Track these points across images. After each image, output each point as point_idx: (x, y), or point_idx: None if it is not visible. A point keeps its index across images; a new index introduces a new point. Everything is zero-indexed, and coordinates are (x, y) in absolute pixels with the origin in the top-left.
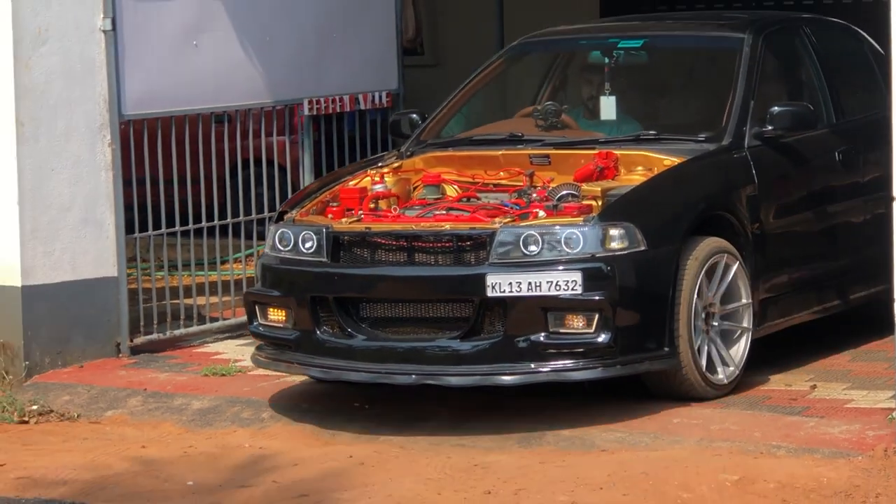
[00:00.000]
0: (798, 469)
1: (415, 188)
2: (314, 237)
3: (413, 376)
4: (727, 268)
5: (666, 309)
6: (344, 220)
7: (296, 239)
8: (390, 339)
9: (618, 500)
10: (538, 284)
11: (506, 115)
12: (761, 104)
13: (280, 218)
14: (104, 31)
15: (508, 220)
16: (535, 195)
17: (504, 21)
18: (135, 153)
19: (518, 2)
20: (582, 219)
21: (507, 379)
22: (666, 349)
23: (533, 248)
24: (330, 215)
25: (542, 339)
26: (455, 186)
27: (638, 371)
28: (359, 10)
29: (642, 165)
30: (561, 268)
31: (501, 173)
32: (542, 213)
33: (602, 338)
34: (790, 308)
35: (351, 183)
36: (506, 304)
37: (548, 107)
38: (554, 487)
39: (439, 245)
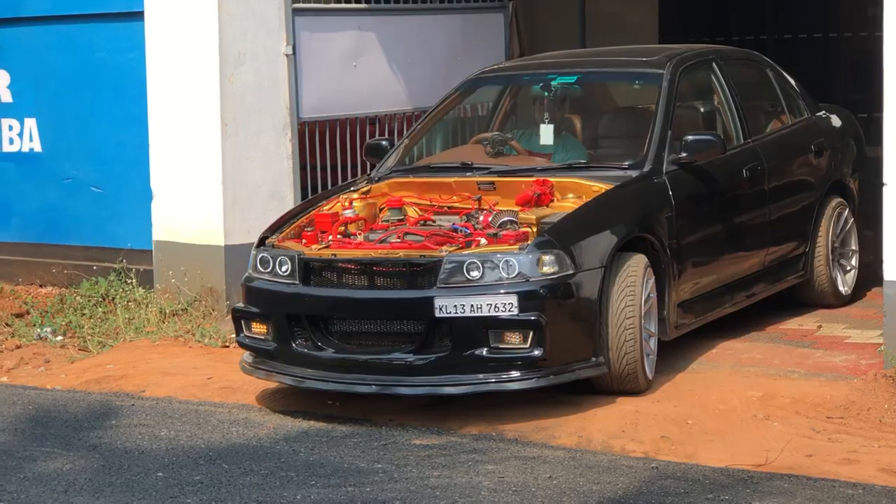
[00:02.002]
0: (808, 388)
1: (381, 209)
2: (288, 262)
3: (373, 386)
4: (647, 281)
5: (594, 324)
6: (314, 246)
7: (273, 263)
8: (354, 353)
9: (670, 409)
10: (479, 306)
11: (463, 140)
12: (678, 132)
13: (262, 242)
14: (287, 55)
15: (454, 248)
16: (481, 218)
17: (586, 45)
18: (309, 146)
19: (597, 32)
20: (518, 247)
21: (452, 389)
22: (594, 358)
23: (475, 273)
24: (304, 240)
25: (484, 353)
26: (415, 208)
27: (569, 379)
28: (476, 38)
29: (573, 192)
30: (500, 291)
31: (454, 197)
32: (483, 241)
33: (536, 352)
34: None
35: (325, 208)
36: (452, 323)
37: (496, 136)
38: None
39: (395, 270)
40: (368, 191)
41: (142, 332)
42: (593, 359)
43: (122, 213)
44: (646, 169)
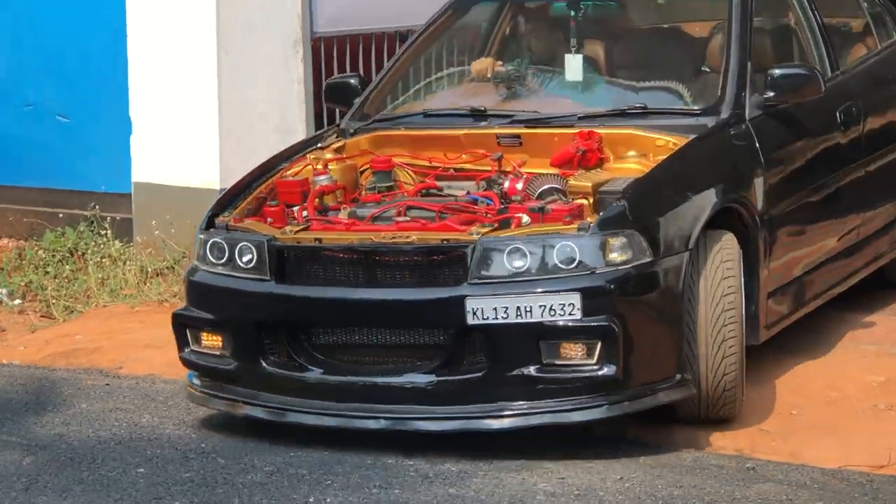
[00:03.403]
0: None
1: (362, 171)
2: (253, 250)
3: (382, 420)
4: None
5: (679, 329)
6: (288, 227)
7: (231, 251)
8: (352, 373)
9: (768, 395)
10: (528, 309)
11: (458, 76)
12: (756, 65)
13: (211, 223)
14: None
15: (487, 228)
16: (506, 185)
17: None
18: (325, 68)
19: None
20: (576, 226)
21: (495, 423)
22: (678, 376)
23: (519, 263)
24: (269, 219)
25: (534, 372)
26: (409, 172)
27: (649, 406)
28: None
29: (631, 147)
30: (556, 287)
31: (463, 156)
32: (525, 218)
33: (606, 369)
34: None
35: (289, 172)
36: (490, 332)
37: (510, 71)
38: None
39: (406, 260)
40: (342, 148)
41: (118, 296)
42: (678, 376)
43: (95, 149)
44: (724, 115)
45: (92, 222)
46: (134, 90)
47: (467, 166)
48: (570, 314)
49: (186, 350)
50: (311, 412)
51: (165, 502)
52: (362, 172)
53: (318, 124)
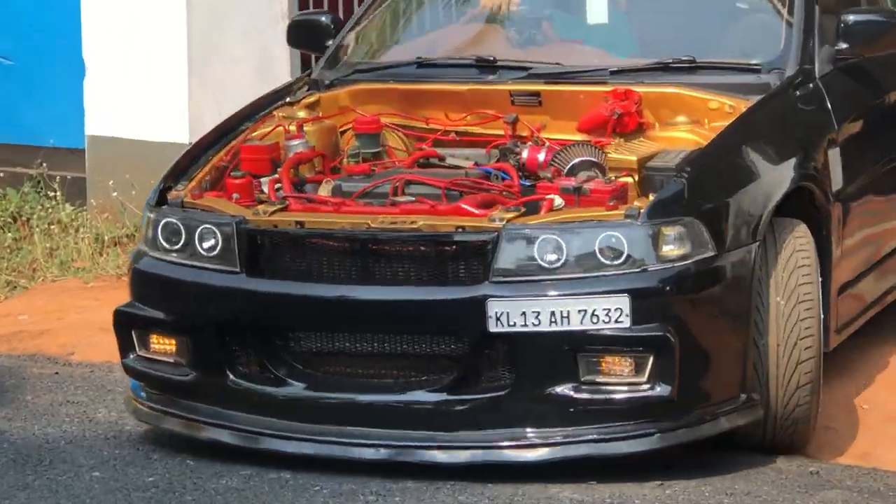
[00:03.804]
0: None
1: (343, 131)
2: (218, 234)
3: (381, 450)
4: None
5: (746, 338)
6: (261, 207)
7: (189, 234)
8: (342, 389)
9: (835, 385)
10: (566, 315)
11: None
12: (824, 10)
13: (161, 199)
14: None
15: (513, 213)
16: (524, 155)
17: None
18: (313, 3)
19: None
20: (623, 212)
21: (521, 455)
22: (742, 396)
23: (553, 256)
24: (236, 194)
25: (570, 392)
26: (400, 135)
27: (707, 435)
28: None
29: (678, 110)
30: (599, 289)
31: (468, 118)
32: (558, 201)
33: (660, 389)
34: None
35: (254, 135)
36: (516, 343)
37: (522, 10)
38: None
39: (409, 251)
40: (316, 104)
41: (69, 269)
42: (742, 396)
43: (42, 96)
44: (790, 71)
45: (38, 182)
46: (88, 26)
47: (473, 130)
48: (616, 321)
49: (131, 356)
50: (292, 437)
51: None
52: (343, 131)
53: (306, 69)
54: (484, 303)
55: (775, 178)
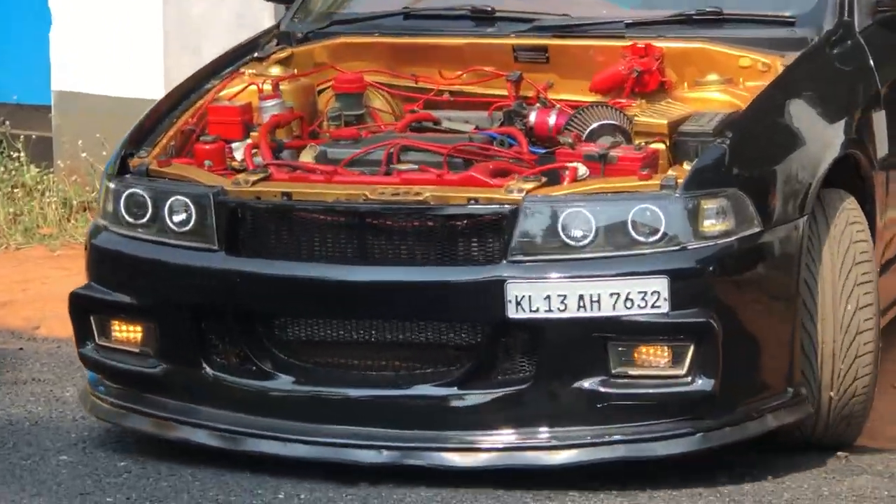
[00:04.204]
0: None
1: (321, 90)
2: (191, 207)
3: (384, 452)
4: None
5: (793, 325)
6: (241, 176)
7: (157, 206)
8: (336, 382)
9: None
10: (596, 299)
11: None
12: None
13: (123, 167)
14: None
15: (532, 183)
16: (532, 118)
17: None
18: None
19: None
20: (659, 181)
21: (546, 458)
22: (789, 390)
23: (579, 232)
24: (208, 161)
25: (598, 386)
26: (385, 96)
27: (752, 434)
28: None
29: (703, 68)
30: (634, 269)
31: (464, 76)
32: (582, 170)
33: (700, 383)
34: None
35: (223, 94)
36: (538, 331)
37: None
38: None
39: (414, 227)
40: (288, 59)
41: (34, 236)
42: (789, 390)
43: (4, 48)
44: (828, 24)
45: (1, 142)
46: None
47: (470, 90)
48: (653, 306)
49: (89, 345)
50: (279, 437)
51: (95, 498)
52: (321, 90)
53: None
54: (502, 285)
55: (822, 144)
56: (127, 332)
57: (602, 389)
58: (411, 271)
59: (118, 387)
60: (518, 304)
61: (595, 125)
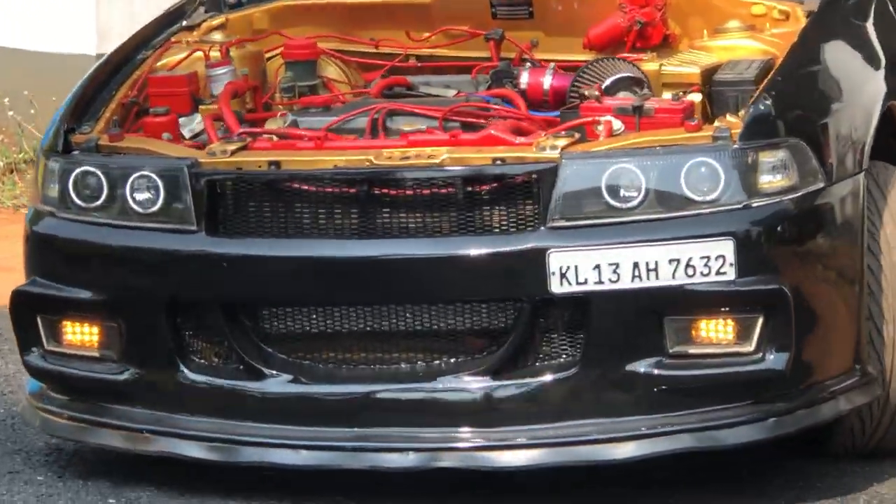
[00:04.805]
0: None
1: (269, 58)
2: (159, 183)
3: (410, 455)
4: None
5: (860, 293)
6: (216, 146)
7: (114, 185)
8: (342, 380)
9: None
10: (653, 267)
11: None
12: None
13: (66, 143)
14: None
15: (565, 140)
16: (524, 80)
17: None
18: None
19: None
20: (711, 132)
21: (607, 452)
22: (857, 368)
23: (627, 192)
24: (166, 133)
25: (655, 369)
26: (338, 64)
27: (826, 419)
28: None
29: (712, 19)
30: (694, 232)
31: (435, 38)
32: (617, 124)
33: (771, 360)
34: None
35: (161, 63)
36: (585, 307)
37: None
38: None
39: (429, 194)
40: (223, 26)
41: None
42: (857, 368)
43: None
44: None
45: None
46: None
47: (441, 54)
48: (717, 272)
49: (35, 351)
50: (286, 444)
51: (25, 477)
52: (269, 58)
53: None
54: (543, 255)
55: (871, 92)
56: (82, 334)
57: (659, 372)
58: (430, 244)
59: (71, 398)
60: (563, 275)
61: (611, 79)
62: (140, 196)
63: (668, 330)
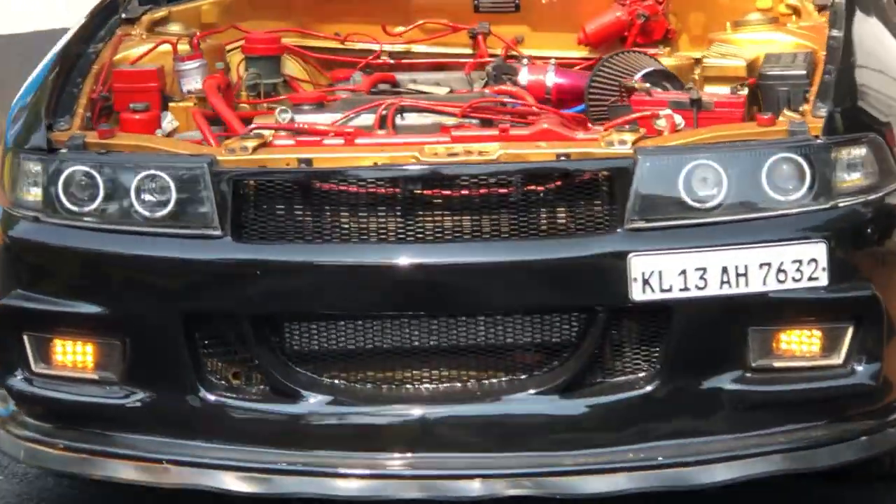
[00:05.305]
0: None
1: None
2: (170, 183)
3: (476, 482)
4: None
5: None
6: (232, 143)
7: (114, 187)
8: (384, 400)
9: None
10: (742, 272)
11: None
12: None
13: (48, 143)
14: None
15: (632, 134)
16: (523, 77)
17: None
18: None
19: None
20: (786, 128)
21: (695, 475)
22: None
23: (709, 192)
24: (161, 130)
25: (739, 385)
26: (297, 62)
27: None
28: None
29: (715, 13)
30: (784, 236)
31: (403, 33)
32: (678, 119)
33: (861, 373)
34: None
35: (119, 57)
36: (665, 315)
37: None
38: None
39: (489, 192)
40: (164, 20)
41: None
42: None
43: None
44: None
45: None
46: None
47: (419, 47)
48: (809, 278)
49: (19, 374)
50: (334, 473)
51: None
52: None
53: None
54: (623, 259)
55: None
56: (74, 354)
57: (742, 388)
58: (489, 248)
59: (58, 425)
60: (646, 282)
61: (640, 73)
62: (148, 198)
63: (752, 341)
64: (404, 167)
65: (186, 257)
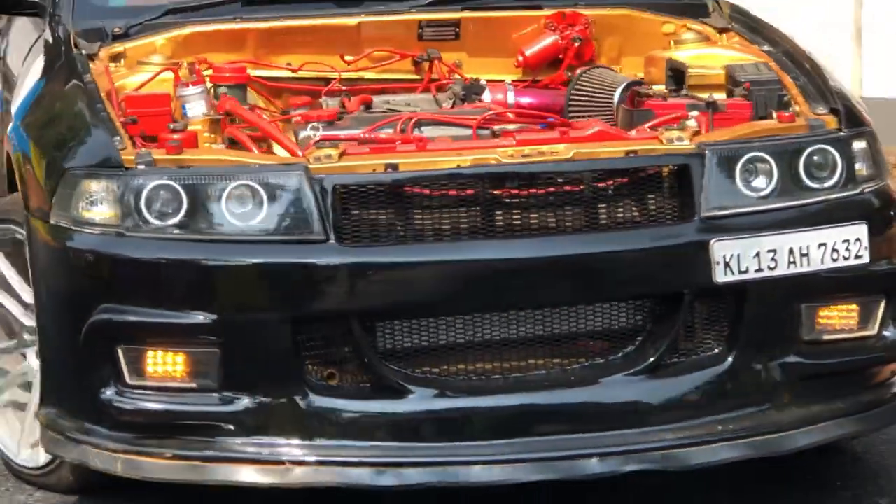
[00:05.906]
0: None
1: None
2: (261, 193)
3: (594, 459)
4: None
5: None
6: (319, 152)
7: (199, 198)
8: (483, 391)
9: None
10: (805, 252)
11: None
12: None
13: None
14: None
15: (688, 132)
16: (486, 96)
17: None
18: None
19: None
20: (806, 123)
21: (786, 443)
22: None
23: (762, 183)
24: (218, 145)
25: (798, 358)
26: (258, 90)
27: None
28: None
29: (629, 36)
30: (832, 217)
31: (351, 62)
32: (693, 119)
33: (891, 340)
34: None
35: (120, 84)
36: (740, 295)
37: None
38: None
39: (555, 192)
40: (121, 56)
41: None
42: None
43: None
44: None
45: None
46: None
47: (368, 75)
48: (856, 256)
49: (113, 387)
50: (467, 461)
51: None
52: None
53: None
54: (705, 245)
55: None
56: (171, 364)
57: (800, 360)
58: (580, 241)
59: (154, 435)
60: (727, 265)
61: (622, 85)
62: (239, 209)
63: (805, 316)
64: (501, 166)
65: (292, 262)
